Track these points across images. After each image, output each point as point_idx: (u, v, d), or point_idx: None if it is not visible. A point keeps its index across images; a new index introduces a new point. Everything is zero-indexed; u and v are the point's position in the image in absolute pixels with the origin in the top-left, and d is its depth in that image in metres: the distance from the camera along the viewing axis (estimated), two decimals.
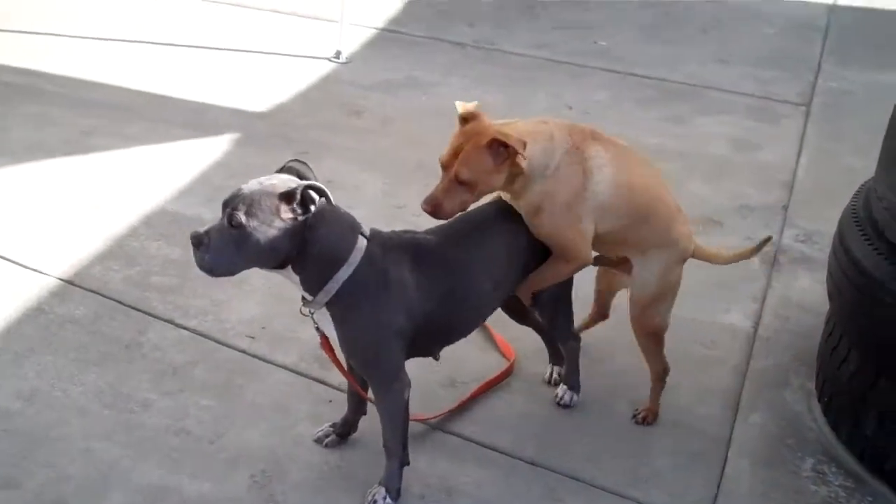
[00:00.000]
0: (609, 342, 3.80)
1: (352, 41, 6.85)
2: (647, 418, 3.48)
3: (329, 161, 5.11)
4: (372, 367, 2.97)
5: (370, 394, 3.09)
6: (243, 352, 3.73)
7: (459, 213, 3.07)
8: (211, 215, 4.60)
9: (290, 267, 2.76)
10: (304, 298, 2.88)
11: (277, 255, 2.71)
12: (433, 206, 3.00)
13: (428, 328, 2.99)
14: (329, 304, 2.83)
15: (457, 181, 2.98)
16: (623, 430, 3.45)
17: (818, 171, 5.47)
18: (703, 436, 3.45)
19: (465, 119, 3.04)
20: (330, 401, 3.48)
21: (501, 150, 2.96)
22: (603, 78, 6.68)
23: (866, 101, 6.38)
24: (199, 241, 2.64)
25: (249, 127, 5.58)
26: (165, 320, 3.89)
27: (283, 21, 7.39)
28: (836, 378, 3.38)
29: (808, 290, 4.27)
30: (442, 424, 3.41)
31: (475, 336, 3.76)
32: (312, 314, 2.90)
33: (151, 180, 4.92)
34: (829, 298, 3.48)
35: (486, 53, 7.02)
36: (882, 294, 3.04)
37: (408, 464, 3.09)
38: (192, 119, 5.64)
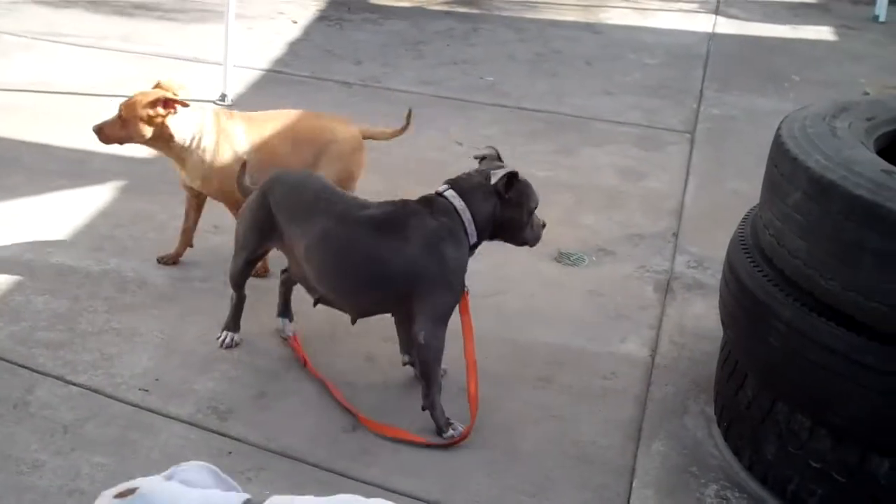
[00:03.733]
0: (507, 374, 3.80)
1: (237, 83, 6.78)
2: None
3: (218, 205, 5.01)
4: None
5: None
6: (136, 406, 3.62)
7: None
8: (98, 266, 4.50)
9: None
10: None
11: None
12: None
13: None
14: None
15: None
16: (527, 466, 3.43)
17: (705, 196, 5.57)
18: (607, 467, 3.45)
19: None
20: (230, 452, 3.40)
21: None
22: (491, 112, 6.72)
23: (748, 126, 6.53)
24: None
25: (135, 174, 5.45)
26: (54, 377, 3.76)
27: (166, 65, 7.26)
28: (735, 404, 3.42)
29: (702, 316, 4.32)
30: (344, 469, 3.35)
31: (368, 377, 3.75)
32: None
33: (34, 232, 4.76)
34: (723, 326, 3.53)
35: (372, 91, 7.01)
36: (773, 321, 3.09)
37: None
38: (75, 168, 5.50)
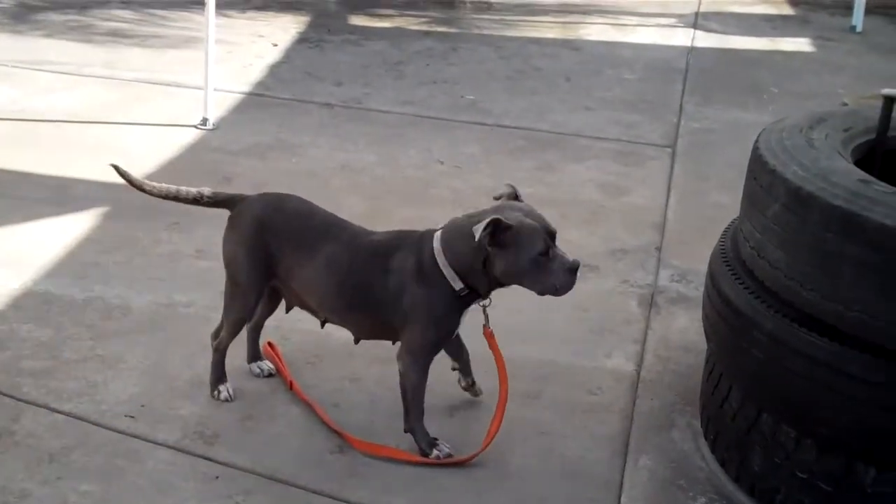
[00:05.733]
0: (493, 391, 3.80)
1: (218, 107, 6.78)
2: None
3: (202, 230, 5.03)
4: None
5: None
6: (122, 432, 3.62)
7: None
8: (82, 293, 4.49)
9: None
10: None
11: None
12: None
13: None
14: None
15: None
16: (515, 483, 3.44)
17: (687, 210, 5.59)
18: (595, 482, 3.45)
19: None
20: (217, 477, 3.39)
21: None
22: (472, 131, 6.74)
23: (729, 139, 6.56)
24: None
25: (117, 200, 5.43)
26: (39, 405, 3.75)
27: (147, 90, 7.28)
28: (720, 416, 3.43)
29: (686, 330, 4.33)
30: (332, 490, 3.35)
31: (354, 399, 3.75)
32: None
33: (17, 261, 4.76)
34: (707, 338, 3.54)
35: (354, 112, 7.03)
36: (755, 332, 3.10)
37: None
38: (57, 195, 5.49)
